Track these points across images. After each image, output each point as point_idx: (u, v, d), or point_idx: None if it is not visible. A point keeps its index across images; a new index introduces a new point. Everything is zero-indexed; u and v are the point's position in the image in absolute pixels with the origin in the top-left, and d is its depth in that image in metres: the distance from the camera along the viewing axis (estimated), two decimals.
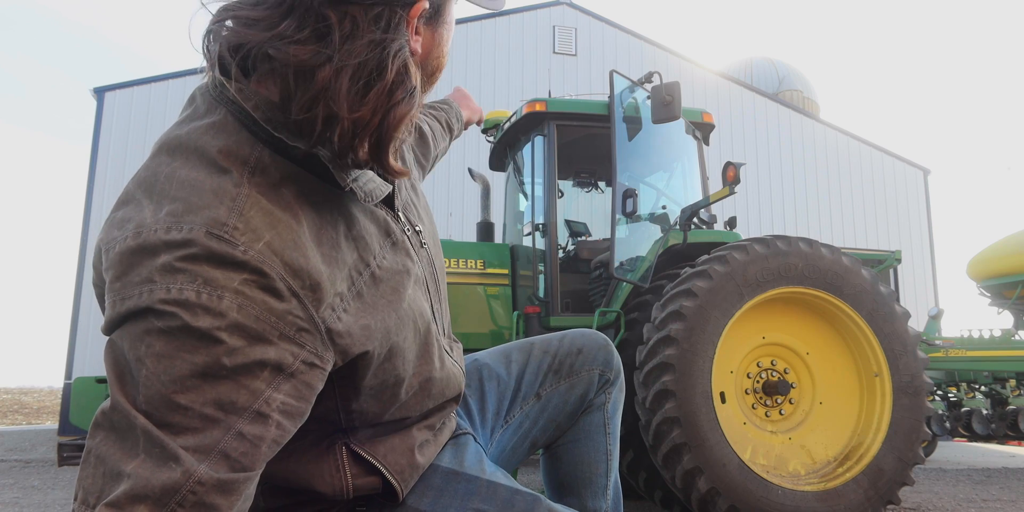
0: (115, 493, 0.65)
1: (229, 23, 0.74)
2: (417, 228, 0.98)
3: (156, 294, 0.68)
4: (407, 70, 0.75)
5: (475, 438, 1.14)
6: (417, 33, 0.80)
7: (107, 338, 0.73)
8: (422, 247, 0.99)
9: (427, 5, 0.78)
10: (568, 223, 4.90)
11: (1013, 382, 6.35)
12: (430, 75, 0.87)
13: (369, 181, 0.85)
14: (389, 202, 0.93)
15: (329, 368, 0.78)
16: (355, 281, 0.82)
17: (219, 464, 0.68)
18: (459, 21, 11.70)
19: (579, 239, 4.89)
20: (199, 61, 0.78)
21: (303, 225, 0.77)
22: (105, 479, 0.67)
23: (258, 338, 0.71)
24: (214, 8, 0.76)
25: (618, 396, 1.35)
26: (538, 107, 4.24)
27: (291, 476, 0.89)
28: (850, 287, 3.29)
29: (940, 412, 6.43)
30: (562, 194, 4.63)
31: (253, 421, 0.70)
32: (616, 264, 3.78)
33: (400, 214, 0.95)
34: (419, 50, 0.80)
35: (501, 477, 1.02)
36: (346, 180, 0.80)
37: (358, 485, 0.91)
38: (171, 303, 0.68)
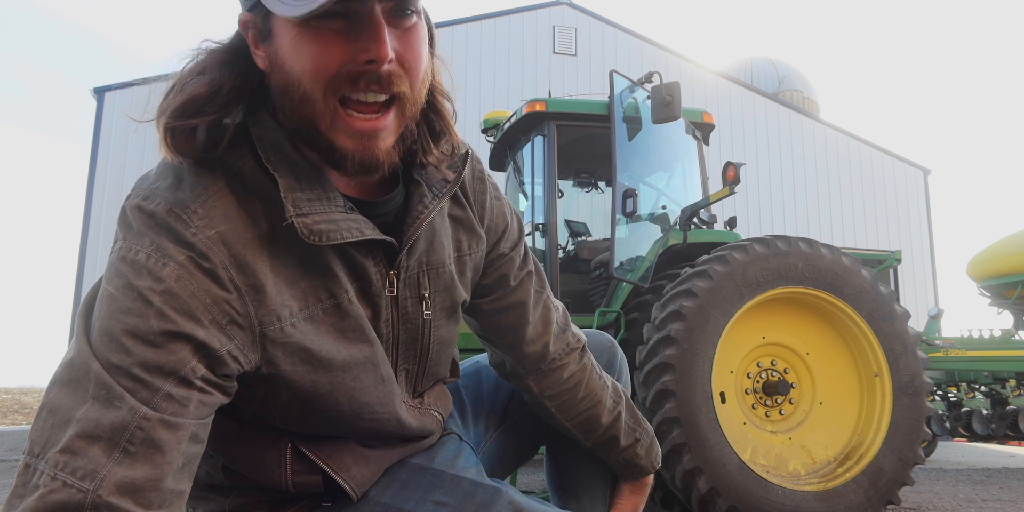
0: (65, 437, 0.67)
1: None
2: (424, 294, 0.95)
3: (121, 252, 0.76)
4: (197, 76, 0.81)
5: (460, 437, 1.13)
6: (257, 47, 0.82)
7: None
8: (421, 314, 0.96)
9: (251, 18, 0.82)
10: (568, 223, 4.90)
11: (1013, 382, 6.35)
12: (283, 90, 0.80)
13: (328, 222, 0.81)
14: (393, 256, 0.90)
15: (249, 368, 0.80)
16: (310, 305, 0.84)
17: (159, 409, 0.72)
18: (459, 21, 11.69)
19: (579, 239, 4.89)
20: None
21: (260, 233, 0.81)
22: (53, 429, 0.69)
23: (189, 315, 0.74)
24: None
25: None
26: (538, 107, 4.24)
27: (238, 462, 0.90)
28: (850, 287, 3.29)
29: (940, 412, 6.43)
30: (562, 194, 4.63)
31: (178, 384, 0.73)
32: (616, 264, 3.77)
33: (400, 274, 0.92)
34: (263, 66, 0.82)
35: (471, 473, 1.02)
36: (290, 212, 0.79)
37: (298, 483, 0.91)
38: (127, 262, 0.75)
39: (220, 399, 0.78)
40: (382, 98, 0.79)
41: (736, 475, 2.97)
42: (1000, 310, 7.06)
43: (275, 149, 0.82)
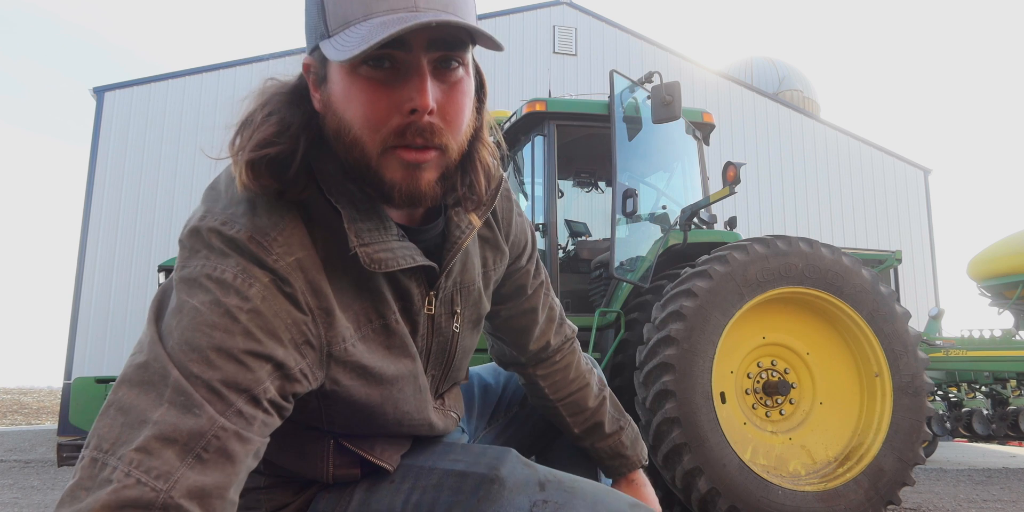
0: (141, 437, 0.69)
1: None
2: (456, 309, 1.04)
3: (205, 269, 0.79)
4: (268, 116, 0.86)
5: (462, 429, 1.27)
6: (315, 90, 0.87)
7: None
8: (451, 328, 1.03)
9: (312, 62, 0.86)
10: (568, 223, 4.90)
11: (1014, 382, 6.35)
12: (335, 133, 0.85)
13: (386, 251, 0.87)
14: (433, 279, 0.97)
15: (315, 386, 0.86)
16: (361, 326, 0.90)
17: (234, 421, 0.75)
18: None
19: (579, 239, 4.89)
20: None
21: (324, 260, 0.87)
22: (124, 427, 0.71)
23: (272, 334, 0.79)
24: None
25: None
26: (538, 107, 4.24)
27: (281, 455, 0.96)
28: (850, 287, 3.29)
29: (940, 412, 6.43)
30: (562, 194, 4.64)
31: (248, 402, 0.76)
32: (616, 264, 3.77)
33: (438, 294, 0.99)
34: (319, 108, 0.87)
35: (477, 447, 1.10)
36: (354, 242, 0.85)
37: (339, 475, 0.99)
38: (213, 279, 0.78)
39: (276, 422, 0.82)
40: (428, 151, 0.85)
41: (736, 475, 2.97)
42: (1001, 310, 7.07)
43: (335, 182, 0.88)
